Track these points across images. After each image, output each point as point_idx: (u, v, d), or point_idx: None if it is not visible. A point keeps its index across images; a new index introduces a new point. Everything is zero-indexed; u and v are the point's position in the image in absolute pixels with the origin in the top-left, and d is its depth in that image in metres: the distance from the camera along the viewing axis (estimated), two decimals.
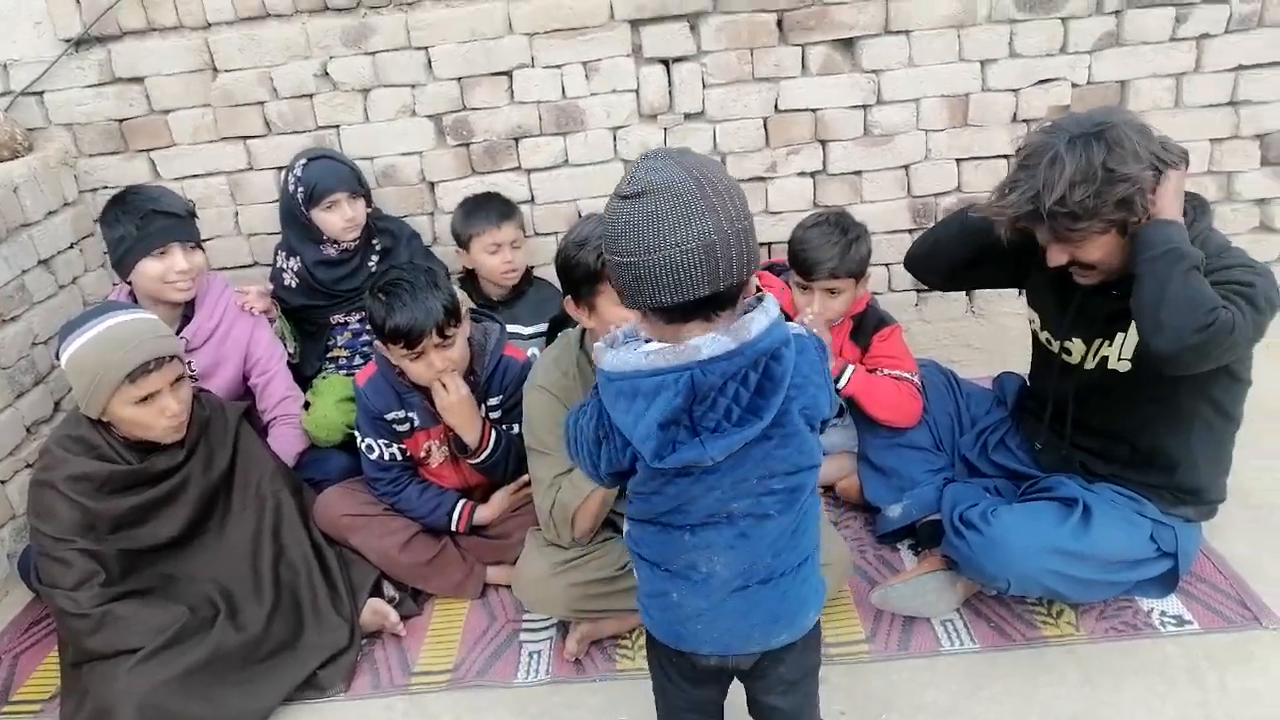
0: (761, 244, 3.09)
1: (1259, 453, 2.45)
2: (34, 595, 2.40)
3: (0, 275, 2.53)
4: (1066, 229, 1.76)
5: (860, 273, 2.36)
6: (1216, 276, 1.74)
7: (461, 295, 2.56)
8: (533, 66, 2.87)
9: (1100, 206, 1.71)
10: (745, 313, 1.21)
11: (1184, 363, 1.71)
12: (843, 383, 2.31)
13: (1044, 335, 2.14)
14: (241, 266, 3.11)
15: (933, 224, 2.40)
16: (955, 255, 2.17)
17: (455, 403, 2.17)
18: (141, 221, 2.40)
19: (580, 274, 1.81)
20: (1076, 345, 2.02)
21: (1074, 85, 2.90)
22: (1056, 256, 1.86)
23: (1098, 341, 1.98)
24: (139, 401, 2.01)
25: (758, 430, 1.20)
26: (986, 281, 2.34)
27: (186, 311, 2.55)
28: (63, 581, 1.99)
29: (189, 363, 2.52)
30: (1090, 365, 2.00)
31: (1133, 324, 1.87)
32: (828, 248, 2.30)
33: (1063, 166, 1.71)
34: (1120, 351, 1.93)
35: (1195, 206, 1.87)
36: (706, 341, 1.17)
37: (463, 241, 2.80)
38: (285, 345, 2.74)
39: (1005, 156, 2.98)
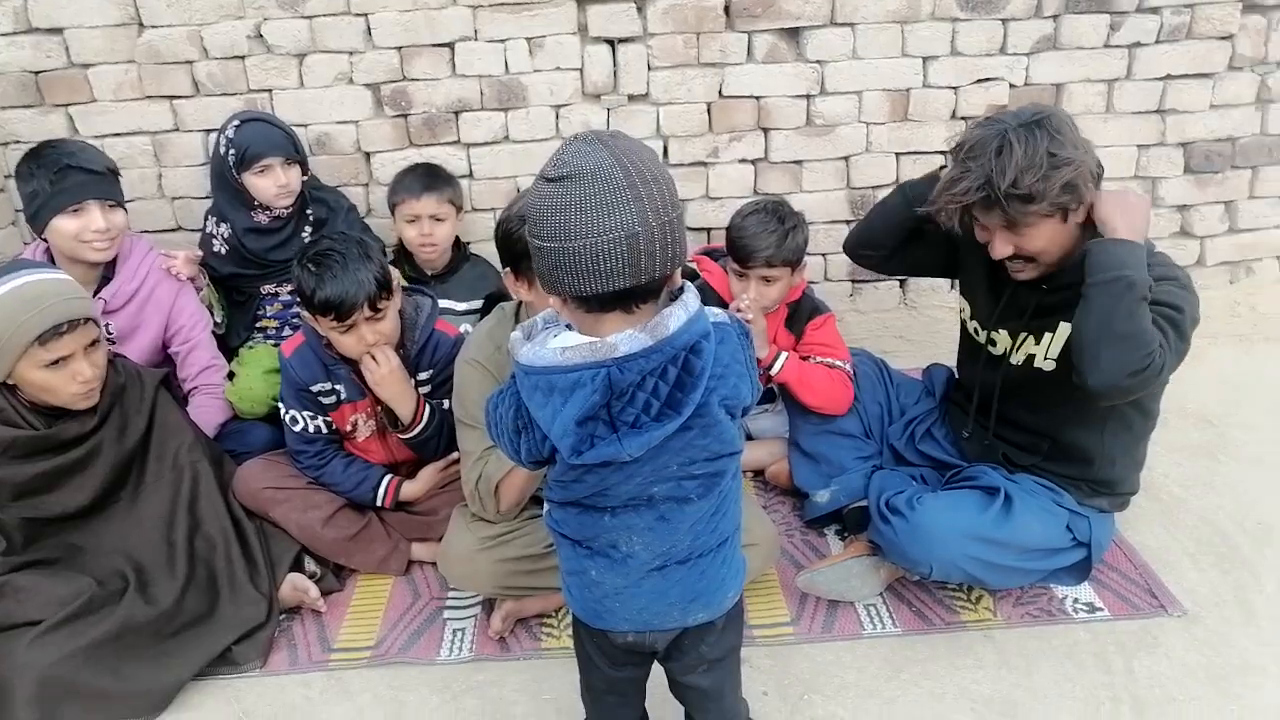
0: (701, 229, 3.10)
1: (1172, 449, 2.55)
2: None
3: None
4: (1019, 212, 1.80)
5: (796, 261, 2.37)
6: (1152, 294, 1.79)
7: (394, 268, 2.51)
8: (476, 40, 2.82)
9: (1049, 189, 1.76)
10: (669, 303, 1.19)
11: (1113, 399, 1.80)
12: (776, 369, 2.32)
13: (972, 325, 2.18)
14: (164, 230, 3.00)
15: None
16: (899, 227, 2.20)
17: (386, 375, 2.12)
18: (56, 176, 2.29)
19: (522, 247, 1.77)
20: (1002, 337, 2.07)
21: (1011, 85, 2.96)
22: (1001, 248, 1.89)
23: (1022, 336, 2.02)
24: (48, 365, 1.92)
25: (675, 426, 1.19)
26: (922, 265, 2.37)
27: (106, 272, 2.45)
28: None
29: (106, 325, 2.42)
30: (1016, 360, 2.05)
31: (1060, 325, 1.93)
32: (764, 236, 2.30)
33: (1010, 152, 1.76)
34: (1046, 351, 1.98)
35: None
36: (624, 339, 1.15)
37: (390, 209, 2.75)
38: (212, 314, 2.65)
39: (943, 152, 3.03)
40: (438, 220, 2.68)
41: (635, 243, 1.12)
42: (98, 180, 2.35)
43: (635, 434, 1.17)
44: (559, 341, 1.18)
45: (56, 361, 1.92)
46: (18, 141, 2.83)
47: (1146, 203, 1.86)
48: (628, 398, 1.16)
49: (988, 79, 2.95)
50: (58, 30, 2.75)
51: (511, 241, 1.81)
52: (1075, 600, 2.08)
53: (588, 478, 1.26)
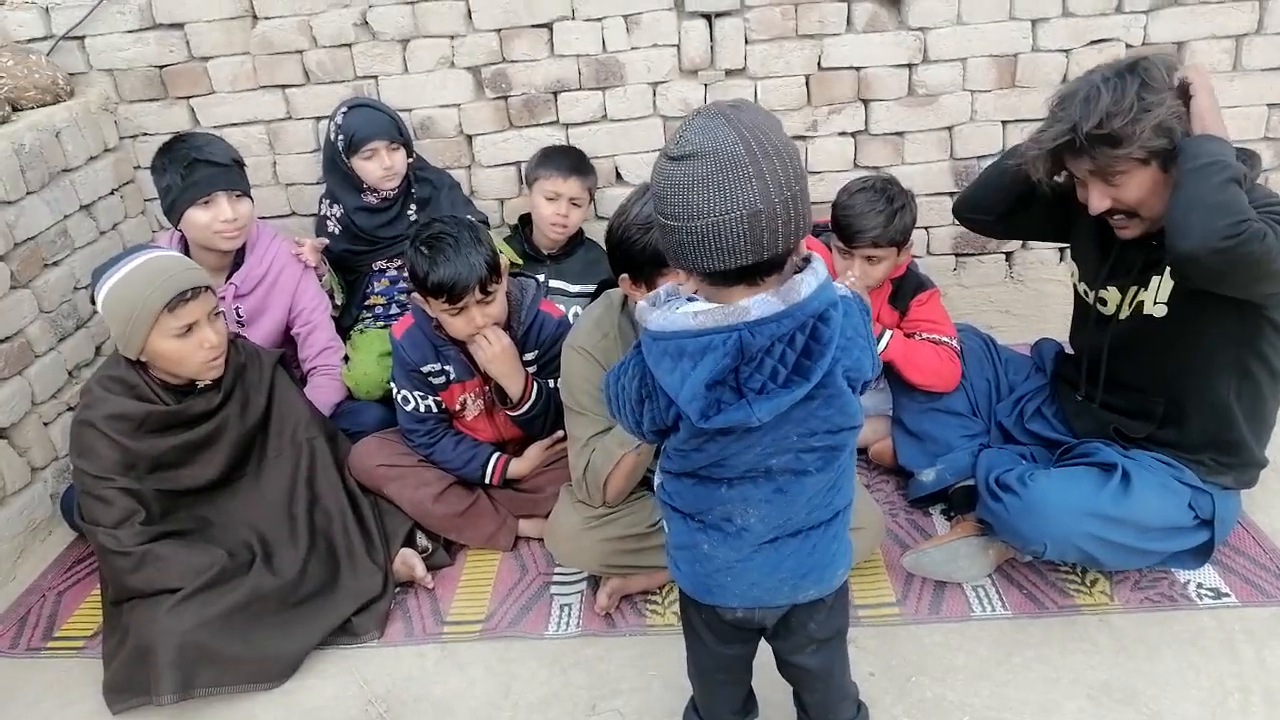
0: None
1: None
2: (76, 535, 2.46)
3: (42, 220, 2.55)
4: (1107, 158, 1.75)
5: (903, 241, 2.32)
6: (1256, 207, 1.69)
7: (502, 248, 2.57)
8: (573, 19, 2.83)
9: (1138, 131, 1.71)
10: (795, 273, 1.19)
11: (1207, 268, 1.67)
12: (880, 346, 2.28)
13: (1081, 286, 2.11)
14: (279, 216, 3.12)
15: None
16: (1009, 191, 2.13)
17: (498, 353, 2.17)
18: (186, 170, 2.41)
19: (645, 257, 1.77)
20: (1112, 294, 1.99)
21: (1128, 46, 2.81)
22: (1098, 201, 1.83)
23: (1133, 290, 1.95)
24: (179, 334, 2.03)
25: (804, 392, 1.19)
26: (1034, 228, 2.29)
27: (236, 259, 2.58)
28: (104, 519, 2.03)
29: (236, 308, 2.54)
30: (1125, 314, 1.98)
31: (1168, 268, 1.85)
32: (872, 215, 2.26)
33: (1098, 98, 1.72)
34: (1156, 295, 1.90)
35: (1245, 159, 1.82)
36: (756, 303, 1.15)
37: (529, 182, 2.81)
38: (333, 299, 2.76)
39: None
40: (575, 204, 2.74)
41: (758, 220, 1.12)
42: (224, 172, 2.46)
43: (764, 399, 1.18)
44: (690, 307, 1.20)
45: (187, 330, 2.03)
46: (145, 134, 2.97)
47: (1210, 92, 1.77)
48: (756, 363, 1.17)
49: (1102, 40, 2.82)
50: (179, 25, 2.87)
51: (633, 250, 1.78)
52: (1199, 585, 2.00)
53: (709, 446, 1.27)
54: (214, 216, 2.44)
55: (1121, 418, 2.05)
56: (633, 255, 1.79)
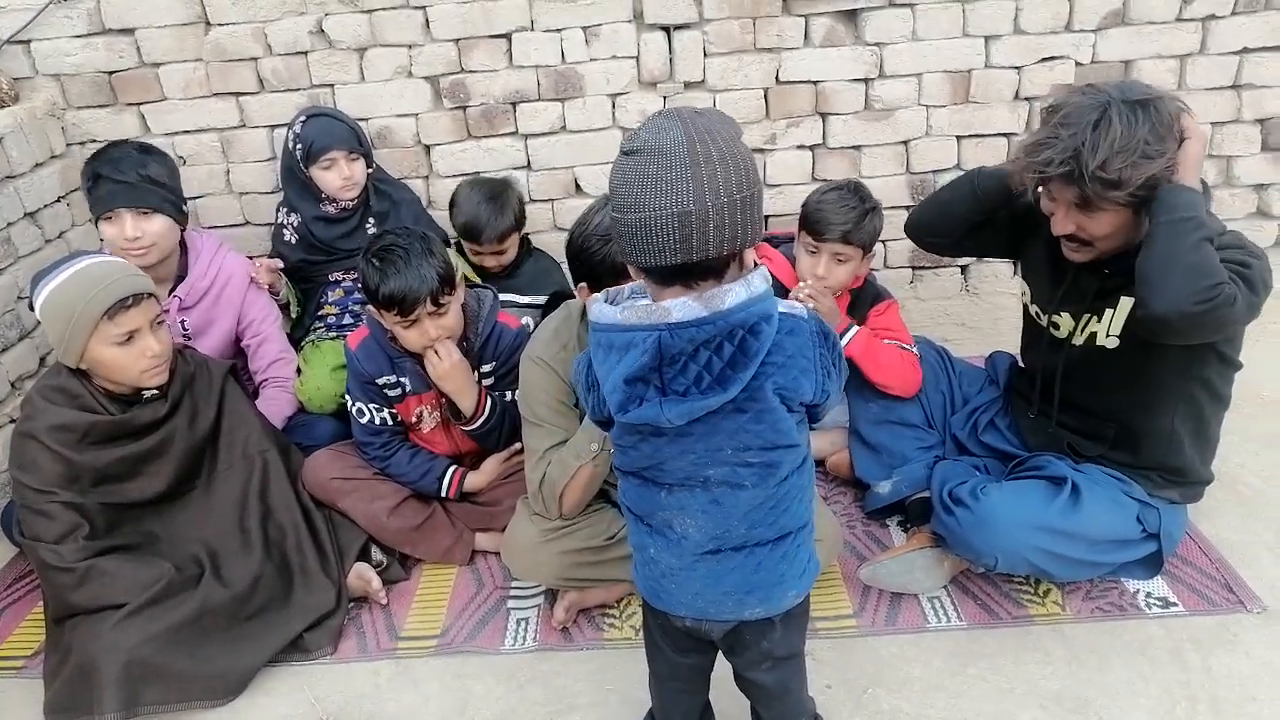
0: None
1: (1249, 438, 2.47)
2: (16, 551, 2.39)
3: None
4: (1096, 194, 1.73)
5: (869, 245, 2.35)
6: (1221, 255, 1.72)
7: (458, 262, 2.54)
8: (532, 30, 2.82)
9: (1133, 179, 1.70)
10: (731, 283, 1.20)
11: (1177, 330, 1.69)
12: (845, 341, 2.30)
13: (1034, 308, 2.14)
14: (232, 225, 3.07)
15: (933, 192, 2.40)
16: (965, 219, 2.15)
17: (448, 369, 2.15)
18: (91, 184, 2.36)
19: (605, 268, 1.77)
20: (1065, 320, 2.02)
21: (1078, 64, 2.88)
22: (1063, 224, 1.84)
23: (1086, 317, 1.98)
24: (119, 341, 1.98)
25: (719, 401, 1.20)
26: (986, 248, 2.34)
27: (180, 271, 2.52)
28: (45, 534, 1.98)
29: (181, 321, 2.49)
30: (1078, 341, 2.00)
31: (1121, 299, 1.88)
32: (844, 211, 2.29)
33: (1108, 129, 1.68)
34: (1109, 327, 1.93)
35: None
36: (678, 305, 1.18)
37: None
38: (287, 312, 2.73)
39: (1006, 135, 2.96)
40: (500, 253, 2.74)
41: (687, 220, 1.14)
42: (125, 189, 2.36)
43: (675, 402, 1.20)
44: (627, 303, 1.22)
45: (128, 338, 1.98)
46: (93, 140, 2.90)
47: (1202, 146, 1.77)
48: (679, 366, 1.19)
49: (1052, 58, 2.87)
50: (129, 30, 2.81)
51: (589, 257, 1.79)
52: (1148, 594, 2.03)
53: (642, 446, 1.30)
54: (118, 233, 2.37)
55: (1074, 436, 2.08)
56: (592, 266, 1.79)
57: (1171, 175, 1.73)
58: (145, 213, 2.40)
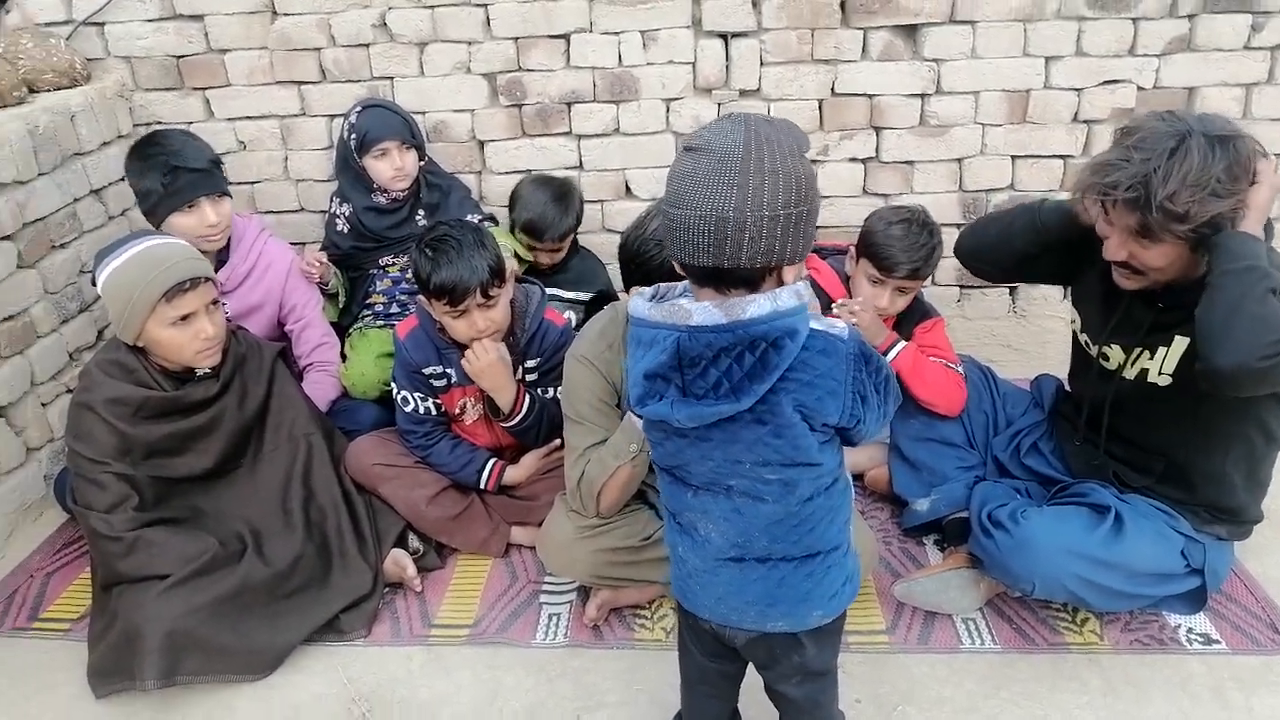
0: None
1: None
2: (67, 517, 2.46)
3: (52, 201, 2.56)
4: (1159, 225, 1.67)
5: (932, 275, 2.34)
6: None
7: (509, 243, 2.57)
8: (591, 31, 2.85)
9: (1199, 215, 1.64)
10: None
11: (1239, 385, 1.64)
12: (890, 356, 2.30)
13: (1084, 337, 2.12)
14: (288, 211, 3.13)
15: (983, 215, 2.36)
16: (1022, 251, 2.11)
17: (484, 367, 2.17)
18: (168, 178, 2.38)
19: (660, 274, 1.75)
20: (1115, 352, 1.99)
21: (1140, 88, 2.84)
22: (1118, 250, 1.79)
23: (1137, 351, 1.95)
24: (175, 323, 2.03)
25: (731, 409, 1.21)
26: (1039, 276, 2.30)
27: (221, 255, 2.56)
28: (97, 503, 2.03)
29: (224, 305, 2.53)
30: (1129, 375, 1.97)
31: (1176, 338, 1.85)
32: (915, 249, 2.26)
33: (1183, 161, 1.63)
34: (1161, 366, 1.90)
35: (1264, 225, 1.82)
36: (699, 309, 1.19)
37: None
38: (338, 300, 2.79)
39: (1063, 157, 2.94)
40: (556, 251, 2.77)
41: (723, 225, 1.15)
42: (205, 177, 2.43)
43: (691, 404, 1.22)
44: (676, 301, 1.25)
45: (184, 319, 2.03)
46: (159, 122, 2.97)
47: (1273, 191, 1.71)
48: (699, 369, 1.20)
49: (1114, 81, 2.84)
50: (199, 17, 2.88)
51: (643, 261, 1.80)
52: (1189, 630, 2.00)
53: (666, 444, 1.33)
54: (199, 222, 2.42)
55: (1121, 465, 2.05)
56: (647, 271, 1.80)
57: (1237, 217, 1.68)
58: (220, 196, 2.46)
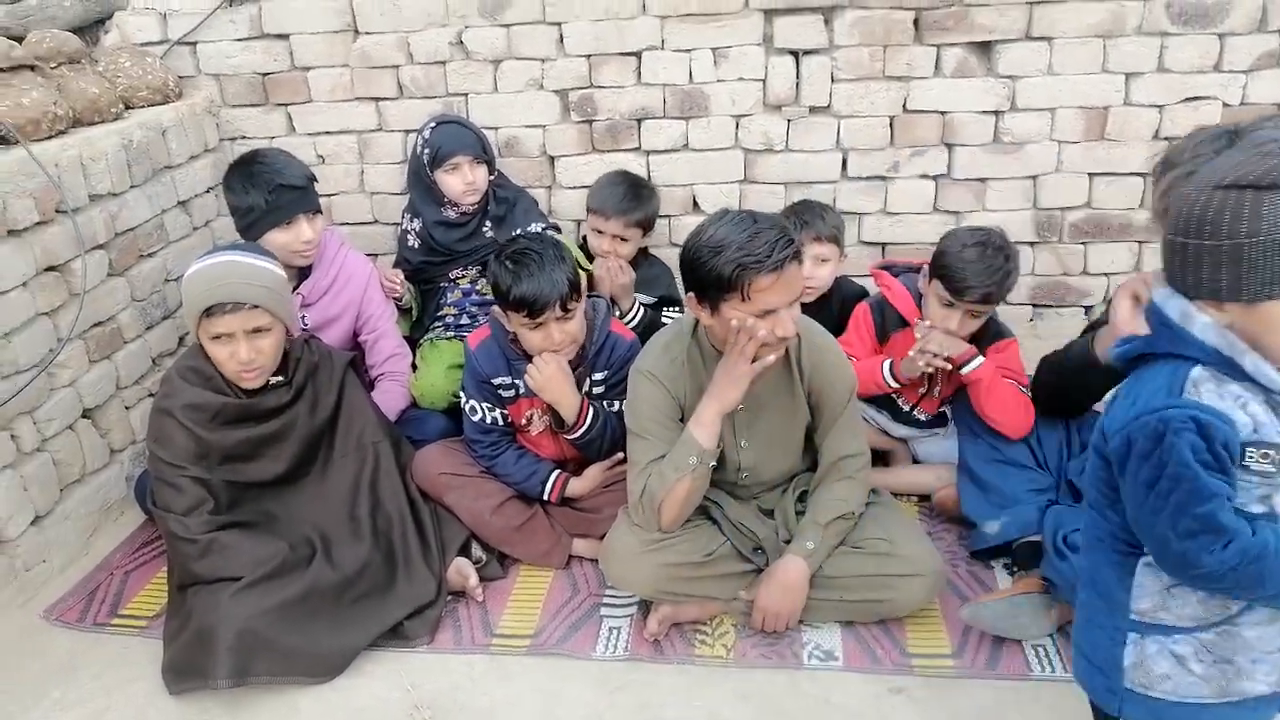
0: (876, 244, 3.05)
1: None
2: (146, 517, 2.53)
3: (142, 212, 2.66)
4: None
5: (1005, 297, 2.31)
6: None
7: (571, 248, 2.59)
8: (662, 49, 2.88)
9: None
10: None
11: None
12: (969, 369, 2.28)
13: None
14: (362, 223, 3.22)
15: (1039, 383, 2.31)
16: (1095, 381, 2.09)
17: (545, 380, 2.18)
18: (271, 196, 2.46)
19: (711, 279, 1.83)
20: None
21: (1225, 105, 2.76)
22: None
23: None
24: (215, 339, 2.08)
25: None
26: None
27: (304, 269, 2.63)
28: (175, 506, 2.09)
29: (302, 317, 2.59)
30: None
31: None
32: (989, 274, 2.22)
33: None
34: None
35: None
36: None
37: (587, 210, 2.86)
38: (410, 314, 2.85)
39: (1142, 175, 2.87)
40: (622, 240, 2.77)
41: None
42: (304, 195, 2.52)
43: None
44: None
45: (219, 336, 2.08)
46: (244, 137, 3.09)
47: None
48: None
49: (1198, 98, 2.77)
50: (285, 36, 2.99)
51: (704, 272, 1.83)
52: None
53: None
54: (295, 237, 2.50)
55: None
56: (700, 276, 1.84)
57: None
58: (313, 215, 2.55)
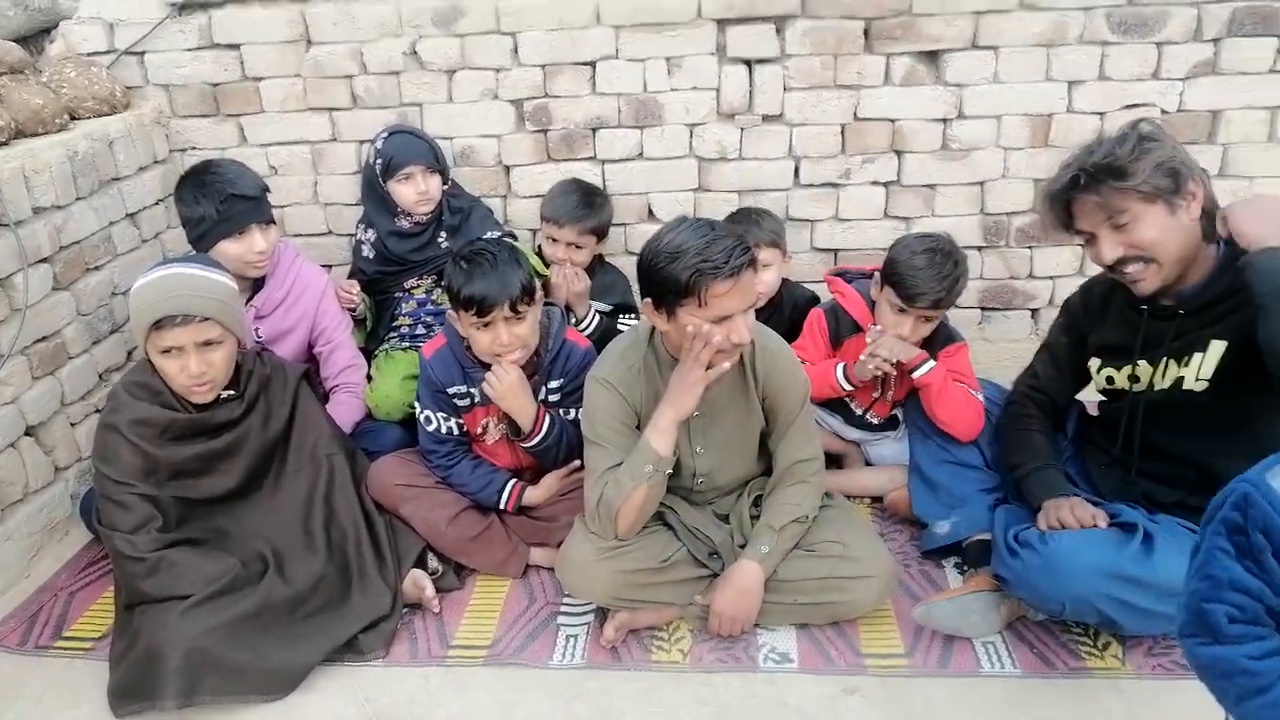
0: (829, 250, 3.08)
1: None
2: (92, 536, 2.49)
3: (89, 225, 2.62)
4: (1112, 190, 1.77)
5: (954, 303, 2.36)
6: None
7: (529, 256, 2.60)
8: (616, 58, 2.89)
9: (1141, 165, 1.74)
10: None
11: None
12: (921, 373, 2.31)
13: (1107, 372, 2.09)
14: (316, 234, 3.19)
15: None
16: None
17: (506, 389, 2.18)
18: (223, 206, 2.44)
19: (669, 285, 1.84)
20: (1143, 368, 1.98)
21: (1163, 111, 2.84)
22: (1110, 250, 1.84)
23: (1165, 362, 1.94)
24: (164, 352, 2.05)
25: None
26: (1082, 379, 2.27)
27: (258, 281, 2.60)
28: (121, 524, 2.05)
29: (256, 329, 2.56)
30: (1163, 385, 1.95)
31: (1212, 342, 1.86)
32: (939, 280, 2.27)
33: (1099, 143, 1.81)
34: (1198, 372, 1.88)
35: None
36: None
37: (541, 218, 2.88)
38: (364, 325, 2.83)
39: None
40: (576, 247, 2.77)
41: None
42: (257, 205, 2.50)
43: None
44: None
45: (169, 350, 2.05)
46: (194, 148, 3.05)
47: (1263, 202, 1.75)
48: None
49: (1138, 104, 2.84)
50: (235, 46, 2.96)
51: (660, 278, 1.85)
52: None
53: None
54: (247, 248, 2.47)
55: (1151, 483, 2.02)
56: (658, 282, 1.85)
57: (1194, 177, 1.76)
58: (266, 226, 2.52)
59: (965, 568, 2.25)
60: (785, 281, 2.78)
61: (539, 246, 2.91)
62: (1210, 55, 2.77)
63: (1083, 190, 1.82)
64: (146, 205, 2.89)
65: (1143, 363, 1.98)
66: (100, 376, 2.71)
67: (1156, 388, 1.97)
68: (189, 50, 2.96)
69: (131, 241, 2.83)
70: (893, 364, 2.32)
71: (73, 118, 2.72)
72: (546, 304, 2.39)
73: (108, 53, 2.97)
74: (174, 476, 2.13)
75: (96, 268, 2.67)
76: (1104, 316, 2.02)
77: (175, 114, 3.04)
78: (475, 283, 2.09)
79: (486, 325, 2.13)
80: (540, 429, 2.26)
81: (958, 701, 1.89)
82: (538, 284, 2.21)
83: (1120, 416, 2.07)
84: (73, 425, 2.60)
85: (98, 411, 2.62)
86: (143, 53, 2.97)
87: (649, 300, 1.92)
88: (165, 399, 2.12)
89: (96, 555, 2.47)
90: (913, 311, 2.31)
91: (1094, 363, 2.12)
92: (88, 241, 2.62)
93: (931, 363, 2.33)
